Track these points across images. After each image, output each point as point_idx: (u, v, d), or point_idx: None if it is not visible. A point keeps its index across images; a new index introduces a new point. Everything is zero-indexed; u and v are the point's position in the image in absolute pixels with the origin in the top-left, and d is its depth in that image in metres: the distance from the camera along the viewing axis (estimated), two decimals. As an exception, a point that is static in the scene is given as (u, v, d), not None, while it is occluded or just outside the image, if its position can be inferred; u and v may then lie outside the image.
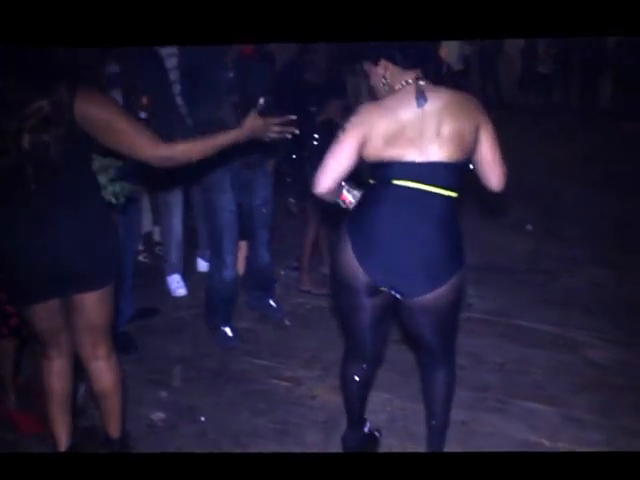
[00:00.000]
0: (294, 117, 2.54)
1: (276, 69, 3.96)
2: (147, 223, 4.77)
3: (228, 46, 3.29)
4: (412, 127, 2.23)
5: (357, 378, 2.64)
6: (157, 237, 4.90)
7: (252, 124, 2.41)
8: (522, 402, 3.20)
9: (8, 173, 2.11)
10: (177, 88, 3.79)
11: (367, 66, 2.37)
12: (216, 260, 3.64)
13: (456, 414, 2.78)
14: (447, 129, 2.23)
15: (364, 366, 2.63)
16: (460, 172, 2.30)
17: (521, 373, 3.45)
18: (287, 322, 4.02)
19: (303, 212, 4.41)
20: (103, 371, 2.45)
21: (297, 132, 2.56)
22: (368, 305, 2.44)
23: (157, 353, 3.64)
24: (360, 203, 2.42)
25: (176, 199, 4.33)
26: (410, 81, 2.28)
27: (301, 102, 3.87)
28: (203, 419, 3.08)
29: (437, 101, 2.25)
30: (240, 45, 3.32)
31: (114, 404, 2.51)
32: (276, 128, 2.49)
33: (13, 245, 2.21)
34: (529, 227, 5.57)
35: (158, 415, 3.09)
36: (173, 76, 3.80)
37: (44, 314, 2.35)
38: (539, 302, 4.22)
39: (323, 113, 3.95)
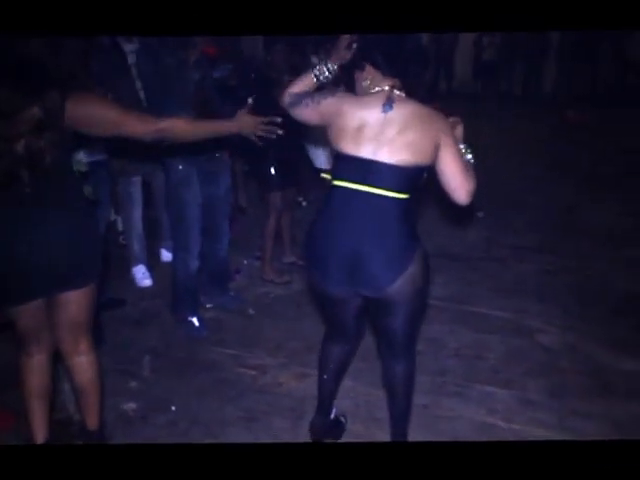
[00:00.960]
0: (279, 119, 2.61)
1: (239, 67, 3.99)
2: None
3: (192, 47, 3.30)
4: (371, 128, 2.35)
5: (339, 355, 2.74)
6: (120, 227, 4.88)
7: (243, 121, 2.52)
8: (479, 386, 3.31)
9: (3, 177, 2.13)
10: (138, 84, 3.84)
11: (355, 72, 2.48)
12: (182, 252, 3.66)
13: (417, 398, 2.86)
14: (403, 137, 2.33)
15: (346, 346, 2.74)
16: (409, 176, 2.36)
17: (477, 358, 3.56)
18: (251, 311, 4.06)
19: (263, 201, 4.45)
20: (84, 366, 2.48)
21: (281, 133, 2.62)
22: (344, 305, 2.56)
23: (126, 344, 3.64)
24: (316, 213, 2.52)
25: (136, 190, 4.31)
26: (386, 88, 2.40)
27: (263, 97, 3.91)
28: (174, 408, 3.10)
29: (402, 110, 2.36)
30: (202, 45, 3.35)
31: (94, 398, 2.54)
32: (263, 127, 2.57)
33: (2, 247, 2.22)
34: (480, 214, 5.70)
35: (129, 405, 3.11)
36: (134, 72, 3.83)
37: (29, 313, 2.36)
38: (492, 289, 4.35)
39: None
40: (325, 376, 2.79)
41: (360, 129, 2.35)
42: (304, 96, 2.50)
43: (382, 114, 2.35)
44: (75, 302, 2.36)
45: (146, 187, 4.42)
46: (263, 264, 4.50)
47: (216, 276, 4.03)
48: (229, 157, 3.83)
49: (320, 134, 4.66)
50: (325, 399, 2.83)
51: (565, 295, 4.26)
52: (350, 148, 2.36)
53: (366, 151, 2.34)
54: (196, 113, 3.24)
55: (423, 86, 6.63)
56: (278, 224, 4.49)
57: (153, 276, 4.42)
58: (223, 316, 3.99)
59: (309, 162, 5.00)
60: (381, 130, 2.34)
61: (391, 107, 2.35)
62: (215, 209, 3.74)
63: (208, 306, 4.03)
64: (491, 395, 3.23)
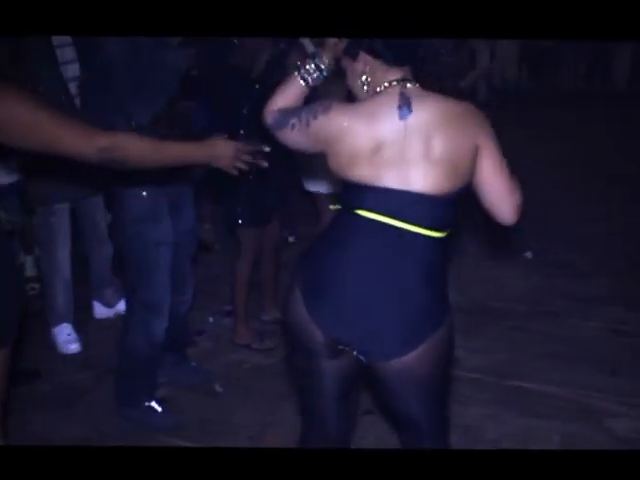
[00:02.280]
0: (268, 149, 2.65)
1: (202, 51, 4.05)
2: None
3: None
4: (390, 144, 2.32)
5: None
6: (30, 271, 4.89)
7: (220, 149, 2.54)
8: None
9: None
10: (69, 72, 4.00)
11: (345, 62, 2.47)
12: (145, 312, 3.65)
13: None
14: (436, 150, 2.32)
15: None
16: (450, 207, 2.39)
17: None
18: (218, 388, 4.07)
19: (235, 237, 4.49)
20: None
21: (266, 165, 2.67)
22: (329, 370, 2.51)
23: (41, 433, 3.62)
24: (318, 238, 2.53)
25: (62, 222, 4.33)
26: (395, 82, 2.38)
27: (229, 92, 4.05)
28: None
29: (425, 112, 2.34)
30: None
31: None
32: (247, 158, 2.60)
33: None
34: (529, 255, 5.78)
35: None
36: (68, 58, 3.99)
37: None
38: (546, 357, 4.37)
39: None
40: None
41: (377, 150, 2.32)
42: (290, 114, 2.45)
43: (401, 122, 2.32)
44: None
45: (73, 218, 4.45)
46: (235, 323, 4.52)
47: (172, 340, 4.00)
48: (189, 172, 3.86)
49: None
50: None
51: (642, 364, 4.30)
52: (368, 177, 2.33)
53: (390, 179, 2.32)
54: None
55: (448, 73, 6.67)
56: (254, 269, 4.53)
57: (82, 339, 4.44)
58: (180, 395, 4.00)
59: (297, 183, 5.05)
60: (404, 146, 2.32)
61: (409, 109, 2.32)
62: (178, 249, 3.73)
63: (160, 381, 4.03)
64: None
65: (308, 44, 4.27)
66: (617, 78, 12.81)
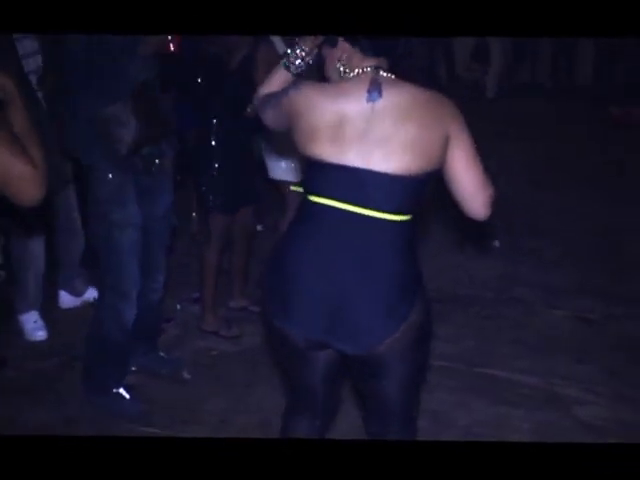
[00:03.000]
0: None
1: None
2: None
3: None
4: (354, 122, 2.31)
5: (305, 435, 2.72)
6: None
7: None
8: (498, 477, 3.34)
9: None
10: (30, 65, 3.99)
11: (324, 49, 2.48)
12: (113, 296, 3.63)
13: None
14: (402, 134, 2.29)
15: (315, 421, 2.73)
16: (415, 190, 2.37)
17: (493, 439, 3.57)
18: (186, 375, 4.06)
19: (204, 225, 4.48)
20: None
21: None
22: (312, 359, 2.54)
23: (8, 421, 3.57)
24: (281, 237, 2.56)
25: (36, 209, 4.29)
26: (368, 69, 2.37)
27: (204, 80, 4.07)
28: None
29: (395, 97, 2.32)
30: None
31: None
32: None
33: None
34: (496, 243, 5.79)
35: None
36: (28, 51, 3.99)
37: None
38: (514, 345, 4.41)
39: None
40: None
41: (339, 127, 2.31)
42: (270, 96, 2.53)
43: (368, 104, 2.31)
44: None
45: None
46: (203, 310, 4.50)
47: (143, 328, 3.97)
48: (172, 164, 3.83)
49: (279, 134, 4.76)
50: None
51: (610, 352, 4.33)
52: (328, 153, 2.32)
53: (351, 157, 2.30)
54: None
55: (419, 69, 6.73)
56: (221, 256, 4.51)
57: (48, 327, 4.40)
58: (148, 383, 3.98)
59: (263, 172, 5.04)
60: (369, 126, 2.30)
61: (379, 94, 2.31)
62: (150, 235, 3.72)
63: (129, 369, 3.99)
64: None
65: (278, 41, 4.26)
66: (580, 73, 12.85)
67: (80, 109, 3.41)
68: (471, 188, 2.38)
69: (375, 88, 2.32)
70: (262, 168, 4.84)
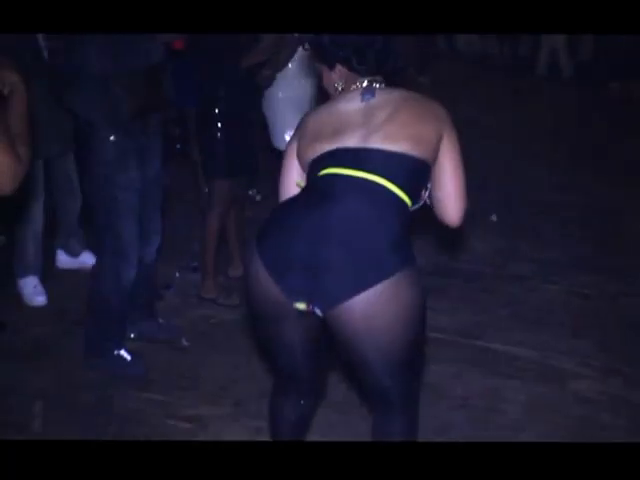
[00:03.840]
0: None
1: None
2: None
3: None
4: (353, 117, 2.46)
5: (292, 418, 2.74)
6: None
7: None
8: (492, 448, 3.38)
9: None
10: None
11: (320, 67, 2.61)
12: (113, 258, 3.67)
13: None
14: (398, 121, 2.43)
15: (301, 401, 2.73)
16: (410, 170, 2.42)
17: (490, 411, 3.65)
18: (185, 342, 4.09)
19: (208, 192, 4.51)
20: None
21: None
22: (294, 327, 2.49)
23: (8, 386, 3.62)
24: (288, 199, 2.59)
25: (36, 176, 4.29)
26: (365, 84, 2.54)
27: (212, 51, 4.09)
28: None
29: (388, 96, 2.50)
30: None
31: None
32: None
33: None
34: (493, 218, 5.83)
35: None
36: None
37: None
38: (511, 319, 4.45)
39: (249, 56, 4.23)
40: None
41: (339, 122, 2.47)
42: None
43: (362, 103, 2.48)
44: None
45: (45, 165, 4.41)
46: (203, 278, 4.53)
47: (140, 293, 4.01)
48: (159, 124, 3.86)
49: (286, 101, 4.77)
50: None
51: (605, 327, 4.38)
52: (329, 145, 2.45)
53: (352, 140, 2.43)
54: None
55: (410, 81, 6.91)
56: (223, 224, 4.53)
57: (47, 291, 4.42)
58: (147, 349, 4.01)
59: (265, 141, 5.05)
60: (366, 119, 2.45)
61: (372, 95, 2.48)
62: (145, 197, 3.75)
63: (128, 336, 4.02)
64: (509, 461, 3.31)
65: None
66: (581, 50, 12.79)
67: (89, 70, 3.44)
68: (454, 193, 2.49)
69: (368, 91, 2.50)
70: (263, 138, 4.90)
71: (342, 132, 2.44)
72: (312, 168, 2.50)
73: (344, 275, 2.33)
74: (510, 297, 4.73)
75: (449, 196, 2.49)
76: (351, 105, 2.48)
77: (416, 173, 2.43)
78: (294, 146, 2.58)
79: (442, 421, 3.53)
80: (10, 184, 2.35)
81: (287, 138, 4.66)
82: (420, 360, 2.73)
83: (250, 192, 5.61)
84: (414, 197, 2.45)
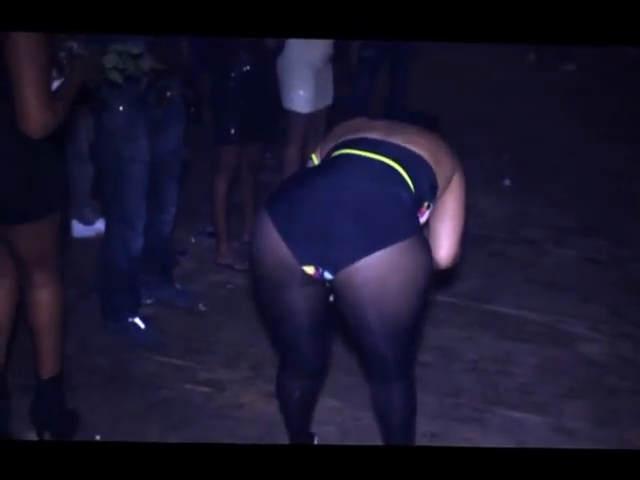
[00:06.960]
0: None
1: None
2: None
3: None
4: (376, 124, 2.66)
5: (297, 395, 2.80)
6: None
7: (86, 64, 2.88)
8: (503, 410, 3.45)
9: None
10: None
11: None
12: (120, 226, 3.74)
13: (422, 425, 2.96)
14: (421, 139, 2.59)
15: (306, 381, 2.79)
16: (423, 172, 2.52)
17: (501, 373, 3.72)
18: (202, 307, 4.16)
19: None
20: (37, 302, 3.02)
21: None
22: (298, 293, 2.52)
23: (27, 352, 3.64)
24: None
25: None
26: None
27: None
28: (99, 438, 3.17)
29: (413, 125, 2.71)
30: None
31: (48, 340, 3.05)
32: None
33: None
34: (507, 182, 5.88)
35: (33, 435, 3.12)
36: None
37: None
38: (522, 283, 4.52)
39: None
40: (287, 418, 2.91)
41: (363, 126, 2.65)
42: None
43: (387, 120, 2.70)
44: (25, 237, 2.85)
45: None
46: (217, 243, 4.57)
47: (156, 260, 4.10)
48: (182, 97, 3.86)
49: (301, 61, 4.70)
50: (297, 433, 2.94)
51: (616, 292, 4.44)
52: (353, 135, 2.60)
53: (375, 134, 2.58)
54: None
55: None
56: (230, 188, 4.56)
57: (63, 258, 4.46)
58: (165, 314, 4.08)
59: (277, 102, 4.99)
60: (390, 129, 2.61)
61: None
62: (161, 168, 3.80)
63: (145, 301, 4.10)
64: (518, 422, 3.38)
65: None
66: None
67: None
68: (452, 237, 2.62)
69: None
70: (277, 103, 4.84)
71: (366, 130, 2.61)
72: (329, 153, 2.61)
73: (359, 235, 2.38)
74: (522, 262, 4.79)
75: (448, 239, 2.61)
76: (377, 120, 2.69)
77: (428, 179, 2.52)
78: (317, 152, 2.74)
79: (453, 384, 3.61)
80: (38, 127, 2.60)
81: (298, 97, 4.73)
82: (419, 329, 2.79)
83: (264, 156, 5.57)
84: (419, 199, 2.51)
